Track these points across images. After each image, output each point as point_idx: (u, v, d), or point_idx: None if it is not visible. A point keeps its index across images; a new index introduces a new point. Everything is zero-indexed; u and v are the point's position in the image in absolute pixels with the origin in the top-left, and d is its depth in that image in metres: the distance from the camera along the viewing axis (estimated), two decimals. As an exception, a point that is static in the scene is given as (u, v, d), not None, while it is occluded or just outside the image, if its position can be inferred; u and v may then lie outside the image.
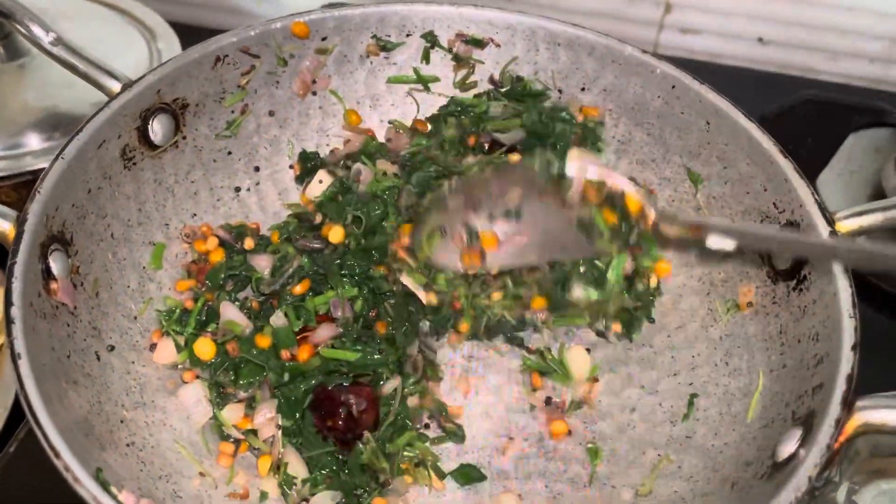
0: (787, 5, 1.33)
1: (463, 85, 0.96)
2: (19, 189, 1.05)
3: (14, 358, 0.62)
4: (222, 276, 0.84)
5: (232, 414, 0.79)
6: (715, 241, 0.72)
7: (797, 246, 0.74)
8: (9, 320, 0.64)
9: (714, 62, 1.40)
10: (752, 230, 0.77)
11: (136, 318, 0.82)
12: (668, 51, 1.40)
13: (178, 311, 0.82)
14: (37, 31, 0.80)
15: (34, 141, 1.06)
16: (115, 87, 0.81)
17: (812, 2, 1.32)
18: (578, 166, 0.75)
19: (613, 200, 0.75)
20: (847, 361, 0.64)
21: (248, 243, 0.87)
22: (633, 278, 0.84)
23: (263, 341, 0.79)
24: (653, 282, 0.86)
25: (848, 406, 0.62)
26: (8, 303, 0.65)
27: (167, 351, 0.81)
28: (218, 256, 0.86)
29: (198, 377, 0.81)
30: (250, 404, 0.80)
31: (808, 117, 1.21)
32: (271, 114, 0.93)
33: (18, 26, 0.79)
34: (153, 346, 0.81)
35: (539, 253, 0.79)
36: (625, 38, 0.90)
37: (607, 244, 0.77)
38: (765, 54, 1.39)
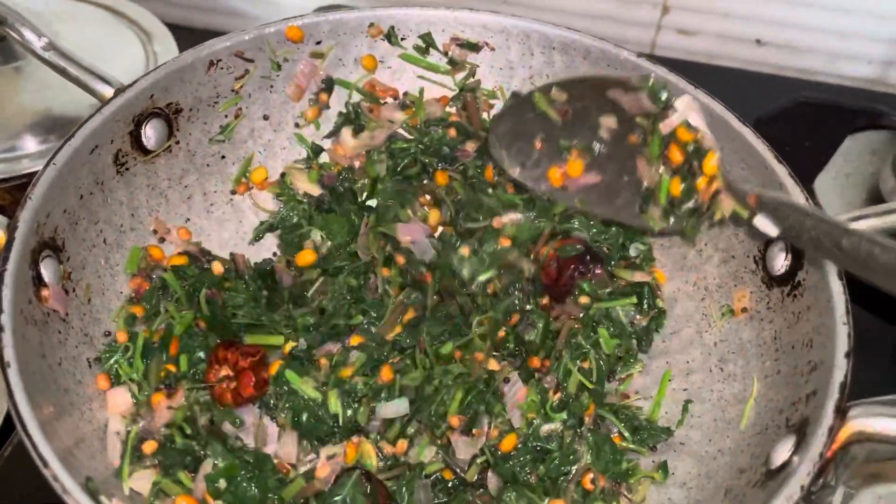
0: (785, 7, 1.33)
1: (464, 86, 0.96)
2: (14, 192, 1.05)
3: (3, 367, 0.62)
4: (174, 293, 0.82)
5: (138, 482, 0.71)
6: (762, 223, 0.71)
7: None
8: (-2, 328, 0.64)
9: (711, 63, 1.39)
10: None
11: (128, 323, 0.81)
12: (665, 52, 1.40)
13: (121, 347, 0.77)
14: (29, 35, 0.80)
15: (30, 144, 1.07)
16: (108, 92, 0.81)
17: (810, 3, 1.31)
18: (687, 104, 0.76)
19: (691, 163, 0.76)
20: (840, 369, 0.64)
21: (217, 268, 0.85)
22: (642, 298, 0.85)
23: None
24: (660, 303, 0.87)
25: (841, 414, 0.62)
26: (-3, 310, 0.65)
27: (121, 398, 0.75)
28: (181, 260, 0.84)
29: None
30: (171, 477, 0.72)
31: (805, 119, 1.21)
32: (265, 118, 0.93)
33: (11, 31, 0.79)
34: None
35: (598, 203, 0.79)
36: (622, 39, 0.90)
37: (655, 219, 0.77)
38: (762, 56, 1.39)
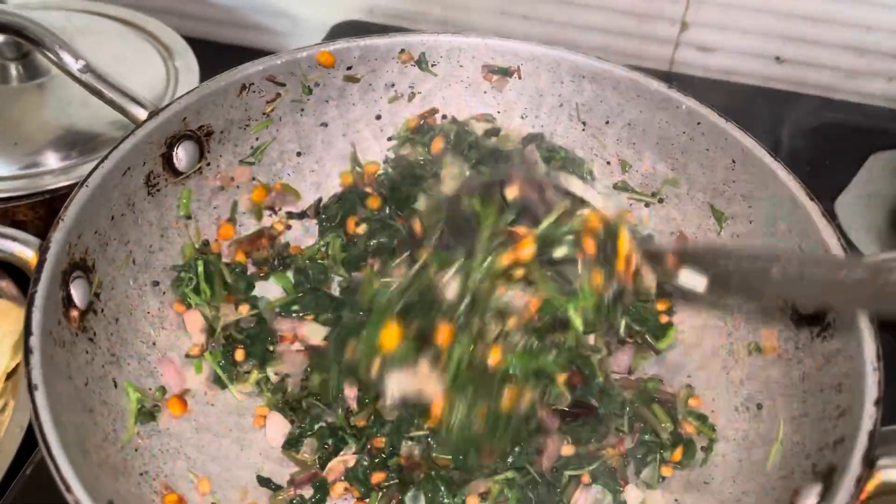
0: (805, 24, 1.31)
1: None
2: (37, 208, 1.05)
3: (31, 389, 0.62)
4: None
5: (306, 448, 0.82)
6: (687, 279, 0.69)
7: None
8: (27, 350, 0.64)
9: (730, 80, 1.38)
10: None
11: (154, 343, 0.82)
12: (683, 68, 1.38)
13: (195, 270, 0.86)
14: (66, 58, 0.81)
15: (52, 160, 1.06)
16: (142, 114, 0.82)
17: (830, 20, 1.30)
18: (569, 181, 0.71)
19: (605, 248, 0.69)
20: (869, 418, 0.62)
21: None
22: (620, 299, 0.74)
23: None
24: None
25: (870, 464, 0.61)
26: (27, 332, 0.65)
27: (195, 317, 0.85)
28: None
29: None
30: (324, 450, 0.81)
31: (826, 139, 1.20)
32: (295, 141, 0.93)
33: (49, 53, 0.80)
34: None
35: None
36: (641, 55, 0.88)
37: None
38: (782, 73, 1.37)
